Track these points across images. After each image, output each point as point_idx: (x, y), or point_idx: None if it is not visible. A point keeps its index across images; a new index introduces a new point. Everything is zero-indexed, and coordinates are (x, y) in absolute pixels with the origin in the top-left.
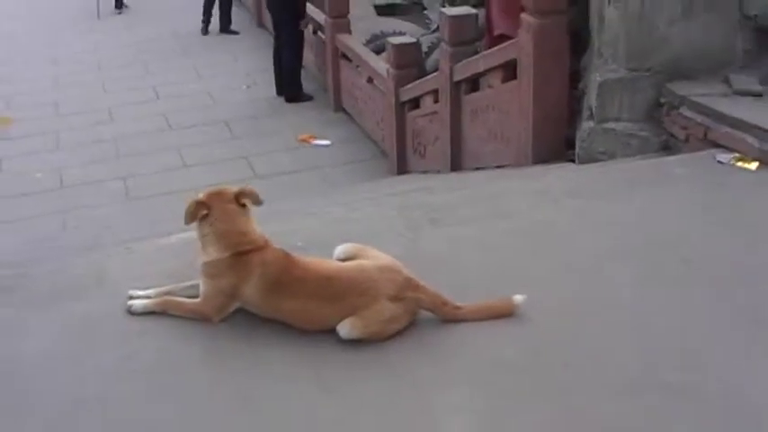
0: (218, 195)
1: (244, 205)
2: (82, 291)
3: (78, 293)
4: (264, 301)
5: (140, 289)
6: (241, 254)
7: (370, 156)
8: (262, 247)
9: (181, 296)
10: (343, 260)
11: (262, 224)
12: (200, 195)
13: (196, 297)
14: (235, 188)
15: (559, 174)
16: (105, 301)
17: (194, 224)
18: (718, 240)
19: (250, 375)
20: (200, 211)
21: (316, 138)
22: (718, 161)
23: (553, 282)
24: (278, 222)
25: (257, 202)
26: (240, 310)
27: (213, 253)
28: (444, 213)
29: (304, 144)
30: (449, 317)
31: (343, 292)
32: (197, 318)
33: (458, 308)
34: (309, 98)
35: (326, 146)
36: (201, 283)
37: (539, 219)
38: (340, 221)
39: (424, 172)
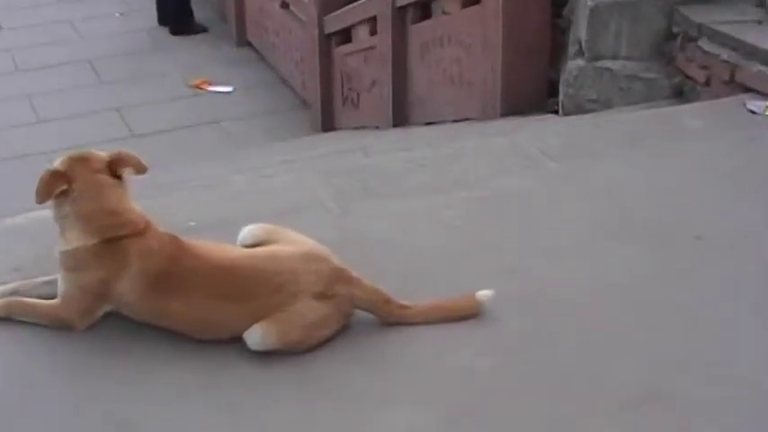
0: (82, 163)
1: (119, 176)
2: None
3: None
4: (145, 302)
5: None
6: (113, 240)
7: (285, 106)
8: (141, 230)
9: (33, 296)
10: (252, 246)
11: (141, 200)
12: (58, 163)
13: (53, 297)
14: (105, 153)
15: (538, 129)
16: None
17: (50, 202)
18: (743, 214)
19: (128, 397)
20: (57, 185)
21: (212, 83)
22: (749, 110)
23: (529, 270)
24: (163, 197)
25: (140, 169)
26: (113, 315)
27: (75, 239)
28: (385, 182)
29: (197, 91)
30: (393, 318)
31: (252, 287)
32: (55, 325)
33: (404, 307)
34: (203, 29)
35: (227, 93)
36: (60, 280)
37: (510, 188)
38: (246, 194)
39: (359, 128)
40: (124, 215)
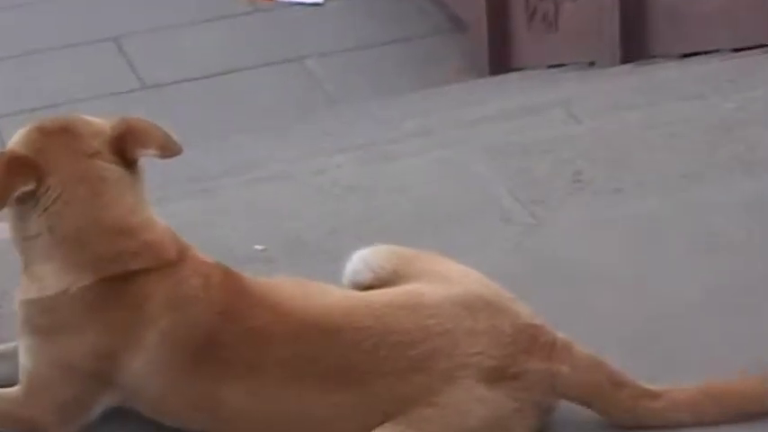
0: (63, 140)
1: (130, 163)
2: None
3: None
4: (179, 389)
5: None
6: (121, 279)
7: (420, 30)
8: (171, 261)
9: None
10: (368, 287)
11: (167, 205)
12: (20, 139)
13: (8, 383)
14: (103, 121)
15: None
16: None
17: (6, 212)
18: None
19: None
20: (19, 182)
21: None
22: None
23: None
24: (204, 199)
25: (166, 150)
26: (118, 415)
27: (53, 279)
28: (612, 167)
29: (261, 4)
30: (630, 415)
31: (369, 362)
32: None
33: (652, 395)
34: None
35: (315, 5)
36: (24, 352)
37: None
38: (354, 191)
39: (556, 66)
40: (140, 234)
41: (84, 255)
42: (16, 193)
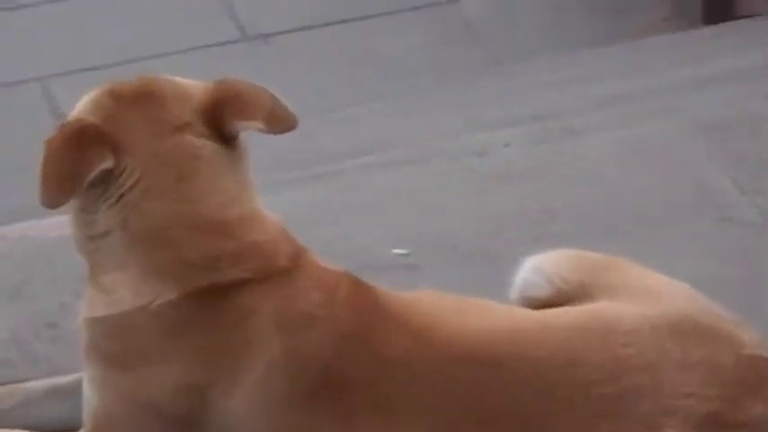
0: (145, 107)
1: (231, 138)
2: None
3: None
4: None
5: None
6: (216, 293)
7: None
8: (284, 269)
9: (18, 428)
10: (542, 304)
11: (274, 194)
12: (88, 105)
13: (72, 428)
14: (193, 83)
15: None
16: None
17: (73, 203)
18: None
19: None
20: (94, 160)
21: None
22: None
23: None
24: (326, 185)
25: (276, 123)
26: None
27: (126, 292)
28: None
29: None
30: None
31: (545, 405)
32: None
33: None
34: None
35: None
36: (88, 385)
37: None
38: (527, 178)
39: None
40: (242, 233)
41: (168, 259)
42: (90, 176)
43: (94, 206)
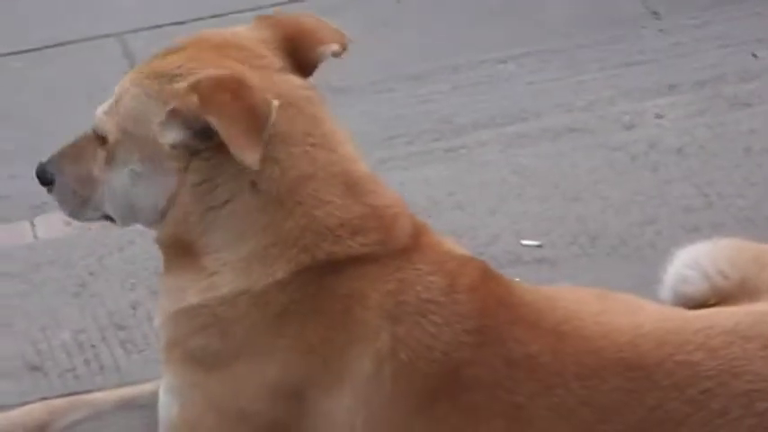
0: (243, 55)
1: (308, 75)
2: None
3: None
4: None
5: None
6: (328, 271)
7: None
8: (402, 248)
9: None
10: (703, 302)
11: (388, 173)
12: (192, 62)
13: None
14: (246, 29)
15: None
16: None
17: (189, 176)
18: None
19: None
20: (266, 114)
21: None
22: None
23: None
24: (448, 162)
25: (344, 41)
26: None
27: (231, 274)
28: None
29: None
30: None
31: (697, 416)
32: None
33: None
34: None
35: None
36: (167, 391)
37: None
38: (683, 155)
39: None
40: (368, 196)
41: (293, 225)
42: (270, 122)
43: (217, 171)
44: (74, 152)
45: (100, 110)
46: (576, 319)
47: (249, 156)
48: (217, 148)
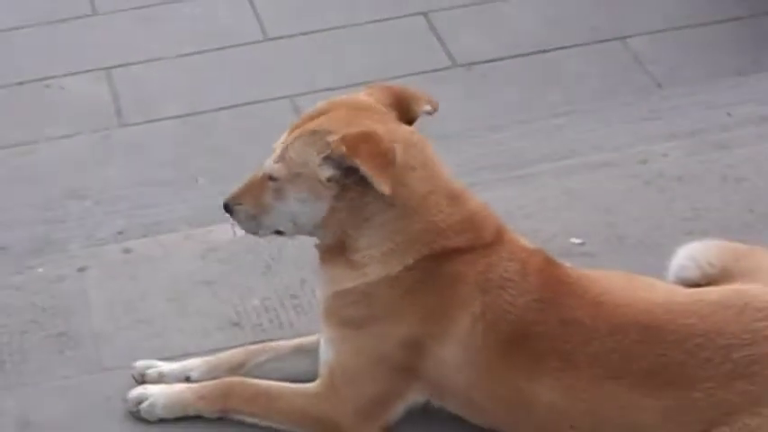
0: (369, 113)
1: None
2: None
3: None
4: (489, 379)
5: (159, 356)
6: (440, 258)
7: (761, 7)
8: (489, 241)
9: (273, 378)
10: (696, 284)
11: (476, 193)
12: (336, 123)
13: (310, 378)
14: (365, 95)
15: None
16: (83, 382)
17: (341, 200)
18: None
19: None
20: (391, 151)
21: None
22: None
23: None
24: (520, 185)
25: (434, 104)
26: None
27: (376, 265)
28: None
29: None
30: None
31: (691, 364)
32: None
33: None
34: None
35: None
36: (326, 344)
37: None
38: (684, 182)
39: None
40: (465, 202)
41: (419, 227)
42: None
43: (363, 192)
44: (250, 189)
45: (269, 161)
46: (609, 293)
47: (384, 186)
48: (360, 180)
